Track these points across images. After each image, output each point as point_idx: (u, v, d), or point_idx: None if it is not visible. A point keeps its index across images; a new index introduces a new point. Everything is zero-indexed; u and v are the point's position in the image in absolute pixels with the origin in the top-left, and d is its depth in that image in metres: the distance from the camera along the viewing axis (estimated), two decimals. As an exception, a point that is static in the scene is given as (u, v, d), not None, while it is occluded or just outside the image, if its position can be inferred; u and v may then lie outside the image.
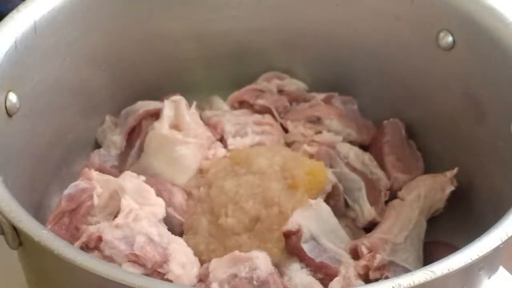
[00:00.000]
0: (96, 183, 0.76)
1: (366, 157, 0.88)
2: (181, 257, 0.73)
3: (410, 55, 0.89)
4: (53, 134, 0.83)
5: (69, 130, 0.86)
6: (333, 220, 0.79)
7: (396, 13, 0.87)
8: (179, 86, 0.93)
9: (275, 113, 0.92)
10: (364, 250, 0.75)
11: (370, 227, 0.82)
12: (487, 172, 0.82)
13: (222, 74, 0.96)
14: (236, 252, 0.71)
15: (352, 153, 0.87)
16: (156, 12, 0.90)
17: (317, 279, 0.73)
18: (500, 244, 0.61)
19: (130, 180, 0.79)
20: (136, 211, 0.74)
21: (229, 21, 0.93)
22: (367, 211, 0.83)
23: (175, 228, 0.79)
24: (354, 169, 0.86)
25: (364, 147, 0.90)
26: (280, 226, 0.75)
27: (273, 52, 0.96)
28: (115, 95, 0.91)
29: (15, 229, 0.63)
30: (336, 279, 0.73)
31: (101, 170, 0.82)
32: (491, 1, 0.81)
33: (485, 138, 0.82)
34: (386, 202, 0.84)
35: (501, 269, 0.83)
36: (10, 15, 0.77)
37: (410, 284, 0.57)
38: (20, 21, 0.77)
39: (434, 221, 0.83)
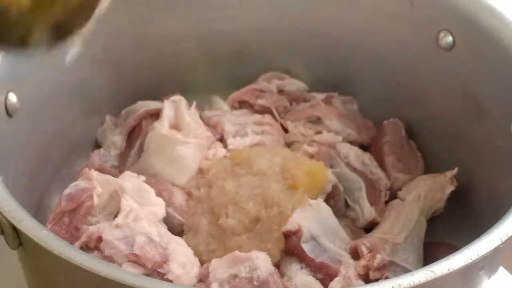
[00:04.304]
0: (96, 183, 0.76)
1: (366, 157, 0.88)
2: (181, 257, 0.73)
3: (410, 55, 0.89)
4: (53, 134, 0.83)
5: (69, 130, 0.86)
6: (333, 220, 0.79)
7: (396, 13, 0.87)
8: (179, 86, 0.93)
9: (275, 113, 0.92)
10: (364, 250, 0.75)
11: (370, 227, 0.82)
12: (487, 172, 0.82)
13: (222, 74, 0.97)
14: (236, 252, 0.71)
15: (352, 153, 0.87)
16: (156, 13, 0.90)
17: (317, 279, 0.73)
18: (500, 244, 0.61)
19: (130, 180, 0.79)
20: (136, 211, 0.74)
21: (229, 21, 0.93)
22: (367, 211, 0.83)
23: (175, 228, 0.79)
24: (354, 169, 0.86)
25: (364, 147, 0.90)
26: (280, 227, 0.75)
27: (273, 52, 0.96)
28: (115, 95, 0.91)
29: (15, 229, 0.63)
30: (336, 279, 0.73)
31: (101, 170, 0.82)
32: (491, 1, 0.81)
33: (485, 138, 0.82)
34: (386, 202, 0.84)
35: (501, 269, 0.83)
36: (10, 15, 0.77)
37: (410, 284, 0.57)
38: (20, 21, 0.77)
39: (434, 221, 0.83)
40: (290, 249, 0.75)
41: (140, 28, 0.90)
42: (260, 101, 0.92)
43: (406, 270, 0.73)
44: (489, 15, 0.80)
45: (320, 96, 0.93)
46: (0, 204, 0.63)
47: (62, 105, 0.84)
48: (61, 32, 0.53)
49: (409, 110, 0.91)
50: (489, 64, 0.80)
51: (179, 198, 0.81)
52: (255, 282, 0.68)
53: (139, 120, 0.88)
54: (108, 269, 0.58)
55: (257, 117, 0.91)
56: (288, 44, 0.95)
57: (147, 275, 0.70)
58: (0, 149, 0.72)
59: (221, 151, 0.86)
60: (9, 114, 0.74)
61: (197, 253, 0.76)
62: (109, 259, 0.70)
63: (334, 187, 0.83)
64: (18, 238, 0.64)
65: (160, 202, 0.78)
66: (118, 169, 0.86)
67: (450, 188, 0.83)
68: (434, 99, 0.88)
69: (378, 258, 0.73)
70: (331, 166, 0.85)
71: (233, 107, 0.94)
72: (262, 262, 0.70)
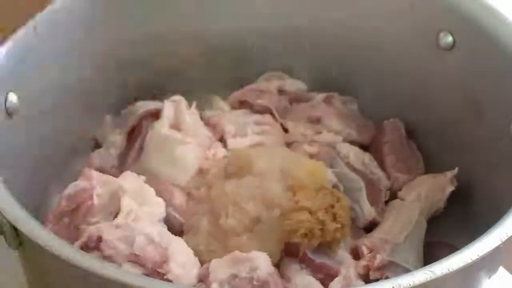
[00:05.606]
0: (96, 183, 0.76)
1: (366, 157, 0.88)
2: (181, 257, 0.73)
3: (410, 55, 0.89)
4: (53, 134, 0.83)
5: (69, 130, 0.86)
6: (333, 220, 0.78)
7: (396, 13, 0.87)
8: (179, 86, 0.93)
9: (275, 113, 0.92)
10: (364, 250, 0.75)
11: (370, 227, 0.82)
12: (487, 172, 0.82)
13: (222, 74, 0.96)
14: (236, 253, 0.71)
15: (352, 153, 0.87)
16: (156, 12, 0.90)
17: (317, 280, 0.73)
18: (500, 244, 0.61)
19: (130, 180, 0.79)
20: (136, 211, 0.74)
21: (229, 21, 0.93)
22: (367, 211, 0.83)
23: (175, 228, 0.79)
24: (354, 169, 0.86)
25: (364, 147, 0.90)
26: (280, 227, 0.75)
27: (273, 52, 0.96)
28: (115, 95, 0.91)
29: (15, 229, 0.63)
30: (336, 279, 0.73)
31: (101, 170, 0.82)
32: (491, 1, 0.81)
33: (485, 138, 0.82)
34: (386, 202, 0.84)
35: (501, 269, 0.83)
36: (10, 15, 0.77)
37: (410, 284, 0.57)
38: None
39: (434, 221, 0.83)
40: (290, 249, 0.75)
41: (140, 28, 0.90)
42: (260, 101, 0.92)
43: (406, 270, 0.73)
44: (489, 15, 0.80)
45: (320, 96, 0.93)
46: (0, 204, 0.63)
47: (62, 105, 0.84)
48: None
49: (409, 110, 0.91)
50: (489, 64, 0.79)
51: (179, 198, 0.81)
52: (255, 282, 0.68)
53: (139, 120, 0.88)
54: (108, 269, 0.58)
55: (257, 117, 0.91)
56: (288, 44, 0.95)
57: (147, 275, 0.70)
58: (0, 149, 0.72)
59: (221, 151, 0.86)
60: (9, 114, 0.74)
61: (197, 253, 0.76)
62: (109, 259, 0.70)
63: (334, 187, 0.83)
64: (18, 238, 0.64)
65: (160, 202, 0.78)
66: (118, 169, 0.86)
67: (450, 188, 0.83)
68: (434, 99, 0.88)
69: (378, 258, 0.73)
70: (331, 166, 0.85)
71: (233, 107, 0.94)
72: (262, 262, 0.70)
